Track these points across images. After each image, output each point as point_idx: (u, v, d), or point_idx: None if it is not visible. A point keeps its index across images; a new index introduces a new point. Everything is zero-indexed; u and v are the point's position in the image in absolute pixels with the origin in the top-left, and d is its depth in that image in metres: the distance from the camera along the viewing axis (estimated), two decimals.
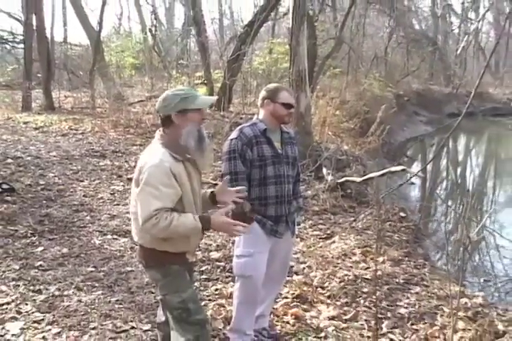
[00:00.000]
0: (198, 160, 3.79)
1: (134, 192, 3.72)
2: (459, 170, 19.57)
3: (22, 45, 20.93)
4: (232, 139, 4.51)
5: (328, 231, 8.39)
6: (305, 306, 5.74)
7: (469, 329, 5.21)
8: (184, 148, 3.68)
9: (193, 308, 3.77)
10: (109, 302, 5.65)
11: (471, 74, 36.32)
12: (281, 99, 4.53)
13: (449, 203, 13.01)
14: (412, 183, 13.06)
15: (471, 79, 34.06)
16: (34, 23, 18.41)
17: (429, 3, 39.92)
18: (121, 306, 5.57)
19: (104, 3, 21.11)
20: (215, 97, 3.87)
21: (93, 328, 5.08)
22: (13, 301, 5.55)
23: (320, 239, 8.08)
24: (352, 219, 9.00)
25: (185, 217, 3.57)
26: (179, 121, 3.71)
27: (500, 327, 5.32)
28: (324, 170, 10.95)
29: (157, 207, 3.50)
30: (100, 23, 21.32)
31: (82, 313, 5.37)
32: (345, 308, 5.76)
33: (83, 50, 29.32)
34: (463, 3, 40.48)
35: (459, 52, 36.39)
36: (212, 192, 4.02)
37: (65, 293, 5.81)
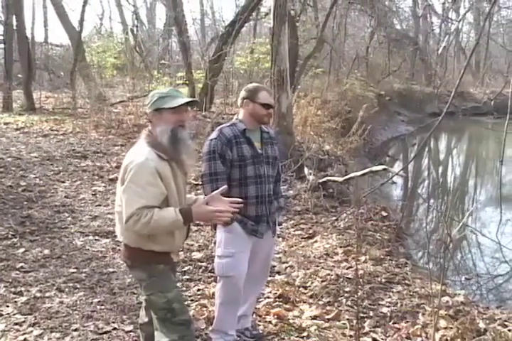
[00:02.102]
0: (183, 161, 3.79)
1: (119, 191, 3.73)
2: (440, 169, 19.67)
3: (2, 46, 20.76)
4: (211, 139, 4.51)
5: (310, 231, 8.40)
6: (287, 306, 5.75)
7: (451, 328, 5.24)
8: (167, 148, 3.69)
9: (178, 308, 3.77)
10: (91, 303, 5.64)
11: (451, 74, 36.45)
12: (261, 99, 4.54)
13: (431, 202, 13.07)
14: (394, 182, 13.11)
15: (452, 78, 34.16)
16: (14, 23, 18.30)
17: (410, 3, 40.02)
18: (103, 307, 5.56)
19: (85, 3, 21.03)
20: (191, 99, 3.85)
21: (75, 330, 5.07)
22: None
23: (302, 238, 8.09)
24: (334, 218, 9.02)
25: (166, 211, 3.58)
26: (154, 120, 3.79)
27: (482, 325, 5.34)
28: (306, 170, 10.98)
29: (141, 206, 3.52)
30: (81, 23, 21.23)
31: (64, 315, 5.36)
32: (328, 308, 5.77)
33: (64, 50, 29.18)
34: (443, 3, 40.62)
35: (439, 52, 36.57)
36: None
37: (47, 294, 5.80)
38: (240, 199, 3.90)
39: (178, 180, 3.78)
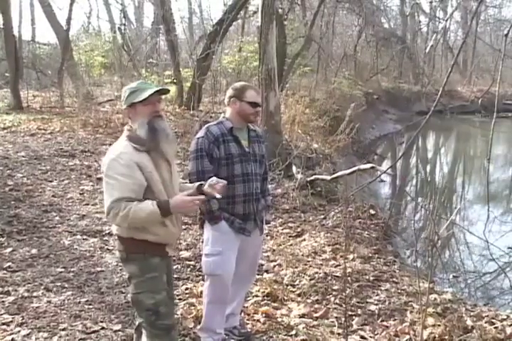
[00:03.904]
0: (162, 149, 3.79)
1: None
2: (428, 167, 19.74)
3: None
4: (198, 138, 4.52)
5: (298, 229, 8.41)
6: (275, 304, 5.75)
7: (439, 325, 5.25)
8: (144, 140, 3.71)
9: (163, 312, 3.74)
10: (79, 302, 5.62)
11: (439, 72, 36.61)
12: (248, 98, 4.54)
13: (419, 200, 13.12)
14: (382, 181, 13.16)
15: (439, 77, 34.29)
16: (1, 21, 18.21)
17: (398, 2, 40.12)
18: (91, 307, 5.55)
19: (72, 2, 20.96)
20: (159, 87, 3.83)
21: (63, 329, 5.05)
22: None
23: (290, 237, 8.10)
24: (322, 217, 9.03)
25: (144, 203, 3.59)
26: (131, 115, 3.82)
27: (469, 322, 5.37)
28: (294, 169, 10.98)
29: (116, 198, 3.55)
30: (69, 22, 21.17)
31: (52, 314, 5.34)
32: (316, 306, 5.78)
33: (52, 49, 29.09)
34: (431, 2, 40.68)
35: (427, 50, 36.55)
36: (200, 185, 3.99)
37: (34, 294, 5.78)
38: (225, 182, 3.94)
39: (162, 169, 3.79)
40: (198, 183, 4.01)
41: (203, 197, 3.77)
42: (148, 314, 3.74)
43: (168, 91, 3.97)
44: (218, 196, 3.84)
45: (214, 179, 3.90)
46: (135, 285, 3.79)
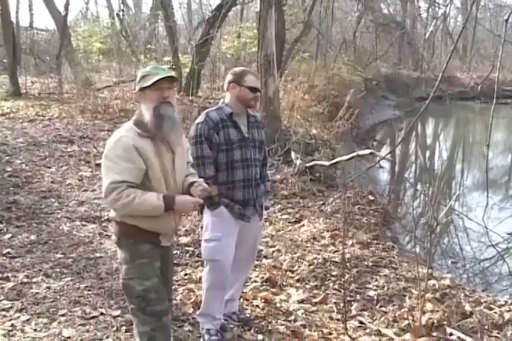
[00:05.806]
0: (168, 137, 3.77)
1: None
2: (427, 153, 19.73)
3: None
4: (198, 123, 4.50)
5: (297, 215, 8.42)
6: (274, 290, 5.77)
7: (437, 311, 5.27)
8: (148, 126, 3.69)
9: (153, 298, 3.72)
10: (78, 288, 5.63)
11: (439, 58, 36.47)
12: (247, 83, 4.53)
13: (418, 186, 13.12)
14: (381, 167, 13.15)
15: (439, 63, 34.23)
16: None
17: None
18: (90, 292, 5.55)
19: None
20: (167, 74, 3.79)
21: (62, 315, 5.06)
22: None
23: (289, 222, 8.11)
24: (321, 202, 9.04)
25: (149, 195, 3.58)
26: (140, 99, 3.80)
27: (468, 307, 5.40)
28: (293, 154, 10.97)
29: (114, 180, 3.54)
30: (67, 8, 21.03)
31: (51, 300, 5.34)
32: (315, 291, 5.80)
33: (50, 34, 29.00)
34: None
35: (427, 36, 36.50)
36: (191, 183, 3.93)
37: (34, 280, 5.78)
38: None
39: (164, 158, 3.75)
40: (192, 181, 3.96)
41: (201, 201, 3.80)
42: (138, 300, 3.73)
43: (176, 78, 3.94)
44: (200, 200, 3.81)
45: (200, 182, 3.89)
46: (125, 271, 3.78)
